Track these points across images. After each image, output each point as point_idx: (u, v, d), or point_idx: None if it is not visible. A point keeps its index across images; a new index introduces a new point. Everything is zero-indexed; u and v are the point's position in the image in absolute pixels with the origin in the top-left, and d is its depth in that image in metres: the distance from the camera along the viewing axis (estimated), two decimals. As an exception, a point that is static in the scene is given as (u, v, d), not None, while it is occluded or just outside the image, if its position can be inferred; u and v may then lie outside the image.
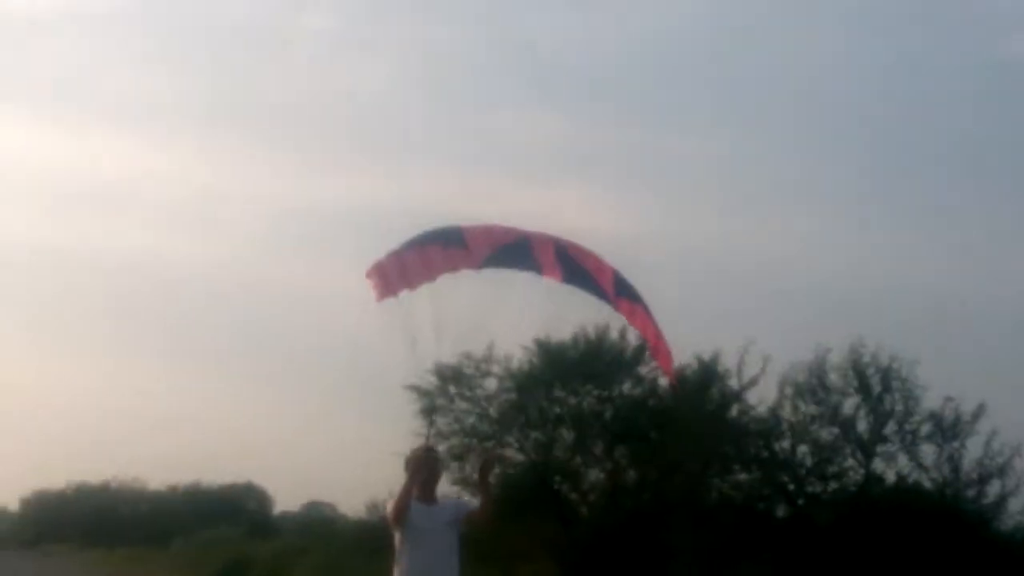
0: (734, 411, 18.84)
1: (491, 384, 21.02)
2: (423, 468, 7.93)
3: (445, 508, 8.09)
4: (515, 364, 20.84)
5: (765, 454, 18.16)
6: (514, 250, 8.46)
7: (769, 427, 18.16)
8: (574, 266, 8.49)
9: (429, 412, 8.07)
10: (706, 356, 19.38)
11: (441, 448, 20.91)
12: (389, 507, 7.95)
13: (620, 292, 8.52)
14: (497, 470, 20.93)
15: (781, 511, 18.53)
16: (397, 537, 7.97)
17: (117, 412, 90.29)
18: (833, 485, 17.94)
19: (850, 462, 17.93)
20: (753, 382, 18.63)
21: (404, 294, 8.12)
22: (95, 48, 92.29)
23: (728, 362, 19.05)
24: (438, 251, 8.35)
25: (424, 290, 8.12)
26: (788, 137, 75.83)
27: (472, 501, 8.56)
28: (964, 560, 15.66)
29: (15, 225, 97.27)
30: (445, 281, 8.20)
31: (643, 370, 20.28)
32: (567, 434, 20.69)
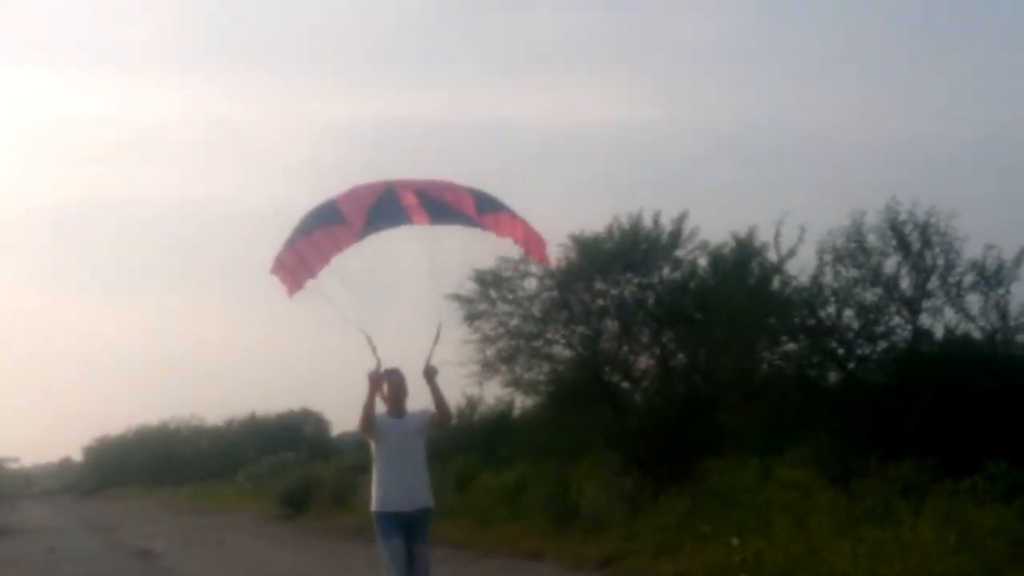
0: (775, 283, 18.82)
1: (531, 284, 21.14)
2: (381, 384, 9.43)
3: (412, 419, 9.59)
4: (553, 262, 20.90)
5: (811, 322, 18.15)
6: (383, 207, 9.15)
7: (812, 295, 18.13)
8: (437, 204, 9.23)
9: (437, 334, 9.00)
10: (742, 232, 19.35)
11: (489, 352, 21.14)
12: (360, 420, 9.43)
13: (482, 209, 9.30)
14: (546, 367, 21.16)
15: (832, 377, 18.55)
16: (372, 446, 9.56)
17: (172, 357, 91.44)
18: (882, 345, 17.96)
19: (896, 320, 17.91)
20: (792, 253, 18.57)
21: (310, 283, 9.05)
22: None
23: (765, 236, 19.03)
24: (324, 234, 9.12)
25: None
26: (811, 7, 75.11)
27: (430, 409, 9.63)
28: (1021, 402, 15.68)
29: (60, 176, 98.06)
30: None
31: (680, 253, 20.31)
32: (612, 325, 20.78)
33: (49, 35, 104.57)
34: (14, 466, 50.75)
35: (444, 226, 9.25)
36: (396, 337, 10.03)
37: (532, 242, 9.56)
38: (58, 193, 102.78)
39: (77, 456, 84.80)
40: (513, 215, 9.46)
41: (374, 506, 9.54)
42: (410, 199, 9.22)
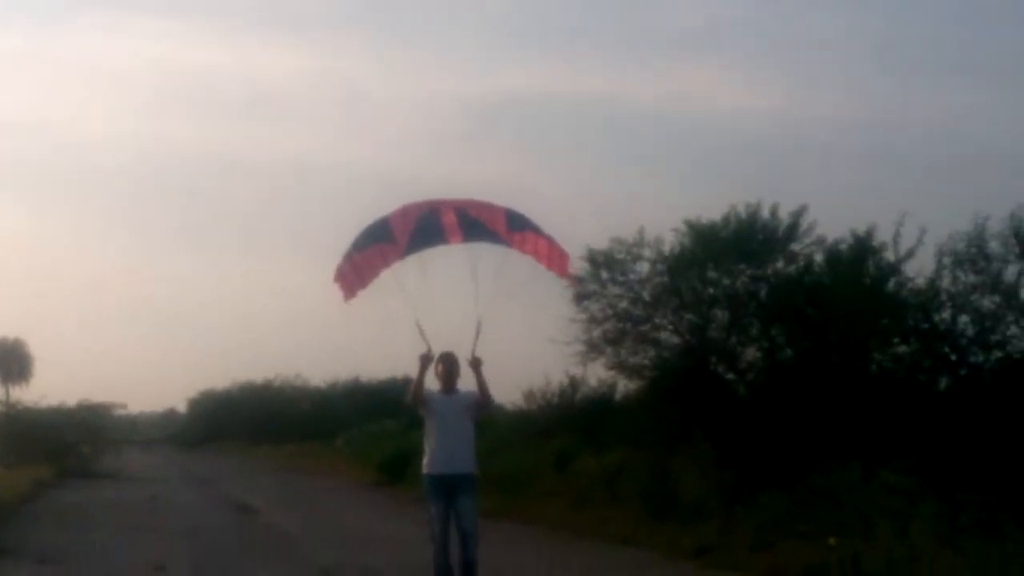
0: (891, 284, 18.54)
1: (643, 268, 21.06)
2: (430, 365, 11.11)
3: (460, 397, 11.27)
4: (667, 247, 20.83)
5: (925, 326, 17.87)
6: (425, 228, 10.84)
7: (928, 298, 17.84)
8: (471, 222, 10.86)
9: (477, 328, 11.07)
10: (861, 231, 19.07)
11: (595, 333, 21.14)
12: (410, 393, 11.37)
13: (512, 227, 10.94)
14: (651, 352, 21.08)
15: (943, 383, 18.24)
16: (424, 418, 11.33)
17: (284, 316, 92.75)
18: (997, 354, 17.61)
19: (1013, 330, 17.56)
20: (910, 254, 18.29)
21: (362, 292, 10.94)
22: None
23: (884, 235, 18.74)
24: (376, 251, 10.91)
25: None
26: (943, 7, 73.82)
27: (476, 392, 11.23)
28: None
29: (176, 134, 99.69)
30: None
31: (796, 247, 20.10)
32: (721, 314, 20.63)
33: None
34: (121, 413, 51.77)
35: (475, 243, 10.89)
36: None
37: (554, 257, 11.03)
38: (175, 146, 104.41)
39: (182, 407, 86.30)
40: (538, 233, 11.02)
41: (423, 469, 11.30)
42: (449, 218, 10.88)
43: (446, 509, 11.00)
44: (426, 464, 11.27)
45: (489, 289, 10.80)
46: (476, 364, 11.03)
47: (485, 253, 10.89)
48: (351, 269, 10.95)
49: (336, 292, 11.05)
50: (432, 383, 11.43)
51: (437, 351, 11.23)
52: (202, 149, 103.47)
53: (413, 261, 10.84)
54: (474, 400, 11.23)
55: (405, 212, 11.04)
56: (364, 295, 11.00)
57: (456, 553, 11.08)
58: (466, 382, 11.42)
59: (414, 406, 11.43)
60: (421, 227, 10.89)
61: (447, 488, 11.02)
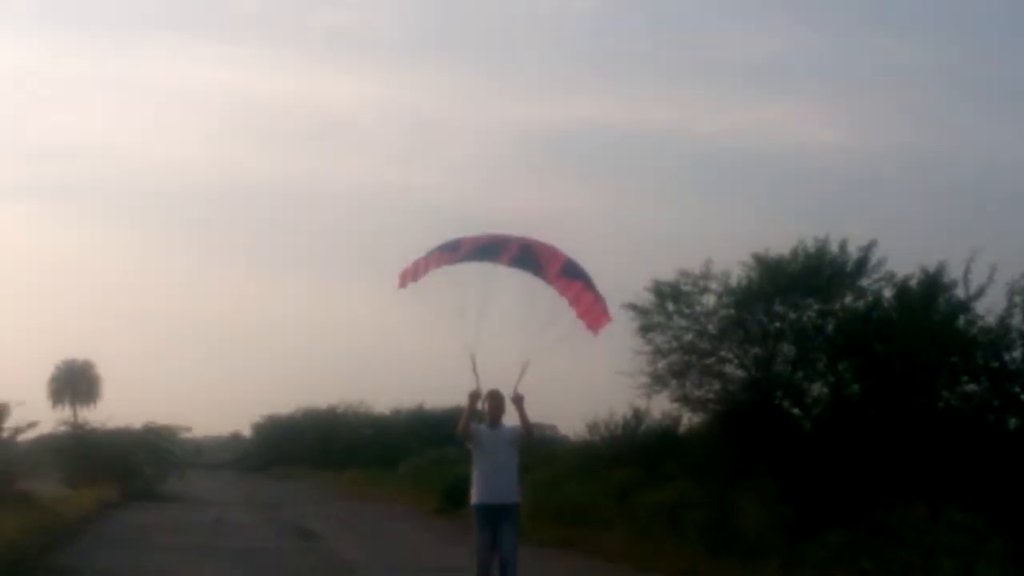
0: (961, 322, 18.33)
1: (709, 300, 20.96)
2: (479, 401, 11.91)
3: (504, 431, 12.06)
4: (733, 280, 20.73)
5: (994, 364, 17.64)
6: (485, 248, 11.68)
7: (998, 337, 17.62)
8: (528, 256, 11.63)
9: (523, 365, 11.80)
10: (931, 267, 18.89)
11: (660, 365, 21.01)
12: (460, 426, 12.06)
13: (563, 273, 11.60)
14: (716, 385, 20.95)
15: (1013, 423, 17.98)
16: (472, 452, 12.05)
17: (349, 343, 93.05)
18: (1067, 394, 17.35)
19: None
20: (981, 292, 18.08)
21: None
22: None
23: (954, 272, 18.54)
24: (437, 254, 11.80)
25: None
26: (1015, 38, 73.10)
27: (518, 427, 12.09)
28: None
29: (243, 160, 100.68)
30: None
31: (865, 282, 19.93)
32: (788, 349, 20.48)
33: (258, 14, 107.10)
34: (186, 436, 52.11)
35: (518, 270, 11.73)
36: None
37: (594, 312, 11.62)
38: (244, 171, 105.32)
39: (246, 432, 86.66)
40: (587, 287, 11.70)
41: (471, 499, 12.03)
42: (512, 249, 11.70)
43: (491, 537, 11.75)
44: (474, 495, 12.01)
45: (539, 332, 11.57)
46: (519, 400, 11.84)
47: (540, 300, 11.71)
48: (413, 266, 11.95)
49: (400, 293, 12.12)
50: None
51: (486, 387, 12.07)
52: (268, 175, 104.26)
53: (474, 301, 11.50)
54: (518, 434, 12.07)
55: (480, 235, 11.96)
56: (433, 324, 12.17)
57: None
58: (511, 418, 12.22)
59: (462, 440, 12.35)
60: (483, 246, 11.79)
61: (492, 517, 11.78)
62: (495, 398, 12.03)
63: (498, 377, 12.15)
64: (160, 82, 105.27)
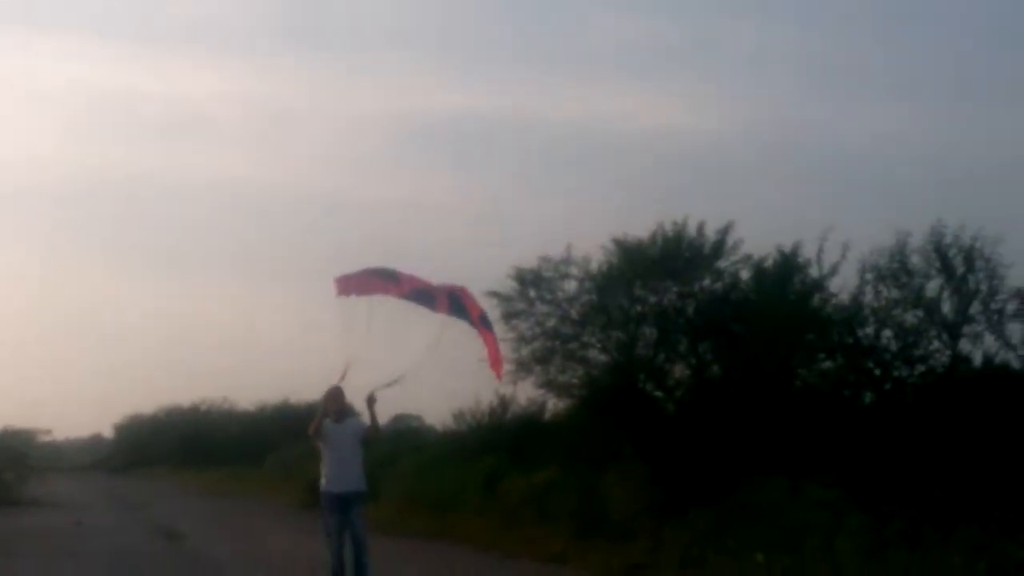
0: (816, 300, 18.70)
1: (571, 286, 21.04)
2: (330, 402, 12.90)
3: (350, 425, 13.17)
4: (594, 265, 20.84)
5: (849, 341, 18.03)
6: (421, 294, 12.62)
7: (852, 314, 18.01)
8: (458, 305, 12.63)
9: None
10: (786, 247, 19.22)
11: (524, 351, 21.03)
12: (311, 428, 13.08)
13: (482, 323, 12.85)
14: (580, 370, 21.07)
15: (868, 398, 18.38)
16: (320, 446, 13.07)
17: (209, 340, 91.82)
18: (920, 368, 17.79)
19: (936, 344, 17.76)
20: (834, 270, 18.49)
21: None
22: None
23: (809, 252, 18.90)
24: (382, 283, 12.62)
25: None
26: (871, 25, 74.69)
27: (364, 422, 13.42)
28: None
29: (97, 155, 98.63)
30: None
31: (723, 264, 20.19)
32: (649, 332, 20.66)
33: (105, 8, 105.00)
34: (46, 439, 50.93)
35: (458, 319, 12.60)
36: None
37: (497, 361, 13.04)
38: (98, 168, 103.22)
39: (108, 433, 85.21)
40: (495, 337, 13.21)
41: (322, 487, 13.07)
42: (443, 300, 12.54)
43: (341, 521, 12.74)
44: (324, 483, 13.09)
45: (422, 356, 12.28)
46: (371, 402, 12.71)
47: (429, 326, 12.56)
48: (357, 280, 12.66)
49: (322, 287, 13.10)
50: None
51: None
52: (123, 170, 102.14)
53: (365, 314, 12.30)
54: (362, 431, 13.14)
55: (413, 276, 12.86)
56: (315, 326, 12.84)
57: (350, 557, 12.74)
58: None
59: (314, 439, 13.16)
60: (420, 291, 12.67)
61: (341, 503, 12.81)
62: (334, 395, 12.93)
63: (369, 385, 12.78)
64: (7, 78, 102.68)
